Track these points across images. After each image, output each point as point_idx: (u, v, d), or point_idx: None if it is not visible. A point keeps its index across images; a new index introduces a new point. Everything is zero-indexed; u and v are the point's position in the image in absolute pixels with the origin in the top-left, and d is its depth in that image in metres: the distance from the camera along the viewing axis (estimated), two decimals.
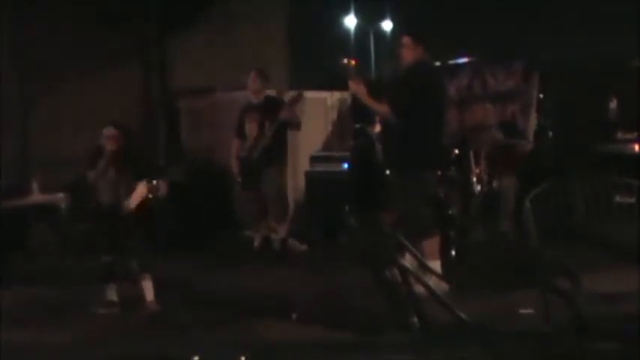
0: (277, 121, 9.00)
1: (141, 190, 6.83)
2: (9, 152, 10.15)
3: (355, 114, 10.64)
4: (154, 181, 6.99)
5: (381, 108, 7.33)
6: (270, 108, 9.14)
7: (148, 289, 6.73)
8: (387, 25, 33.18)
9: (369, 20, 32.86)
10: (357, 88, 7.35)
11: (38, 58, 10.62)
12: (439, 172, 8.03)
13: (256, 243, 9.29)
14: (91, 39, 10.80)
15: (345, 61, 7.42)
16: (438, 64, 8.97)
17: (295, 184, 10.68)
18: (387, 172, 7.61)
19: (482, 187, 8.78)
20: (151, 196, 6.92)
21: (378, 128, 8.88)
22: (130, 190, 6.80)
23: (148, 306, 6.71)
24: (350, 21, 32.88)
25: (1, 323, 6.36)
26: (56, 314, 6.92)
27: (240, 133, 9.30)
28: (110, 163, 6.81)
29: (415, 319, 5.33)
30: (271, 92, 9.78)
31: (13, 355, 5.71)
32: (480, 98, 10.05)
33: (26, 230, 9.37)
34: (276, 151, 9.13)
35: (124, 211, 6.74)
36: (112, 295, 6.86)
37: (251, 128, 9.18)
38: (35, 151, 10.50)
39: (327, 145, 11.32)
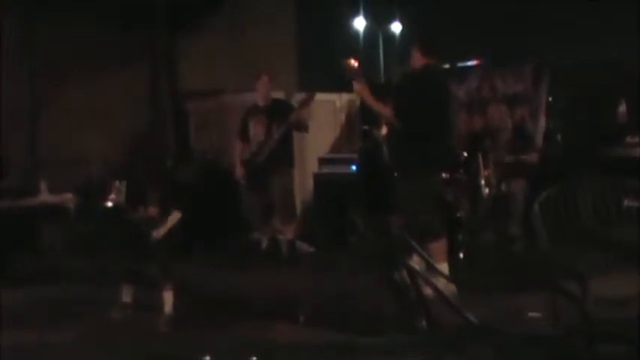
0: (287, 124, 9.01)
1: (173, 219, 6.83)
2: (18, 152, 10.18)
3: (363, 116, 10.64)
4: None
5: (385, 110, 7.34)
6: (277, 111, 9.15)
7: (168, 300, 6.64)
8: (396, 27, 33.15)
9: (378, 22, 32.83)
10: (361, 89, 7.36)
11: (48, 58, 10.66)
12: (448, 175, 8.04)
13: (264, 245, 9.29)
14: (100, 41, 10.84)
15: (348, 61, 7.38)
16: (446, 66, 8.98)
17: (303, 185, 10.69)
18: (395, 173, 7.61)
19: (490, 190, 8.76)
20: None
21: (384, 130, 8.88)
22: (164, 221, 6.81)
23: (165, 318, 6.64)
24: (359, 23, 32.86)
25: (9, 323, 6.37)
26: (66, 314, 6.93)
27: (244, 136, 9.30)
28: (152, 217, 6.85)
29: (423, 322, 5.33)
30: (279, 94, 9.79)
31: (20, 355, 5.72)
32: (494, 100, 10.04)
33: (35, 230, 9.38)
34: (282, 153, 9.13)
35: (154, 238, 6.74)
36: (127, 296, 6.84)
37: (256, 131, 9.18)
38: (44, 152, 10.53)
39: (335, 147, 11.34)
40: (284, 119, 9.01)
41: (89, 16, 10.72)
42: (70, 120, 10.64)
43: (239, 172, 9.26)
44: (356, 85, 7.35)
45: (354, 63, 7.42)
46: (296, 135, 9.41)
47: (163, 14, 11.45)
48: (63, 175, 9.76)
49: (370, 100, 7.35)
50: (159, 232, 6.72)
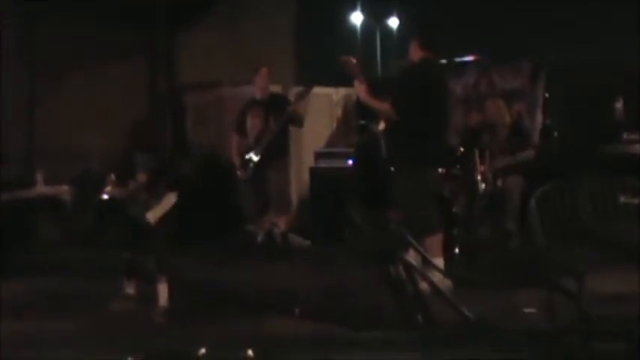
0: (284, 117, 9.01)
1: (168, 202, 6.80)
2: (17, 144, 10.18)
3: (360, 110, 10.64)
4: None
5: (383, 106, 7.36)
6: (275, 104, 9.16)
7: (163, 293, 6.63)
8: (393, 22, 33.18)
9: (375, 17, 32.85)
10: (358, 86, 7.38)
11: (47, 52, 10.66)
12: (444, 170, 8.04)
13: (259, 238, 9.28)
14: (99, 34, 10.84)
15: (346, 59, 7.41)
16: (444, 61, 8.98)
17: (299, 179, 10.68)
18: (392, 168, 7.61)
19: (487, 186, 8.76)
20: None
21: (382, 125, 8.87)
22: (158, 202, 6.78)
23: (159, 310, 6.63)
24: (356, 17, 32.88)
25: (5, 315, 6.35)
26: (61, 307, 6.91)
27: (241, 129, 9.30)
28: (143, 186, 6.82)
29: (419, 317, 5.32)
30: (276, 88, 9.79)
31: (16, 347, 5.70)
32: (492, 95, 10.03)
33: (31, 222, 9.37)
34: (278, 147, 9.14)
35: (149, 223, 6.71)
36: (130, 289, 6.82)
37: (254, 124, 9.18)
38: (43, 147, 10.52)
39: (331, 142, 11.33)
40: (281, 113, 9.01)
41: (89, 14, 10.71)
42: (69, 113, 10.63)
43: (237, 165, 9.26)
44: (356, 84, 7.38)
45: (352, 60, 7.43)
46: (292, 129, 9.42)
47: (163, 11, 11.42)
48: (61, 169, 9.75)
49: (366, 97, 7.37)
50: (154, 215, 6.68)
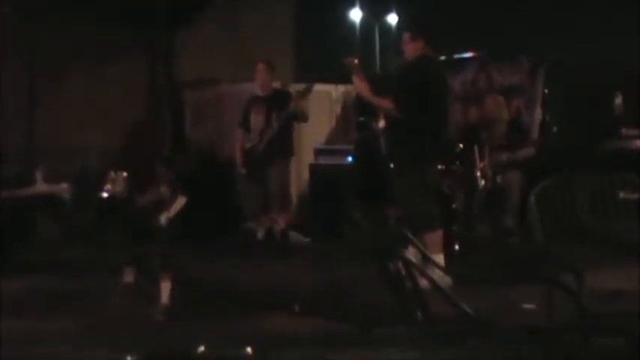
0: (286, 113, 9.01)
1: (179, 205, 6.83)
2: (17, 143, 10.18)
3: (360, 107, 10.64)
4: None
5: (382, 102, 7.37)
6: (277, 101, 9.15)
7: (165, 290, 6.60)
8: (392, 19, 33.14)
9: (374, 14, 32.82)
10: (359, 83, 7.38)
11: (47, 52, 10.66)
12: (443, 167, 8.05)
13: (259, 235, 9.28)
14: (99, 34, 10.84)
15: (349, 59, 7.42)
16: (442, 58, 8.97)
17: (299, 176, 10.68)
18: (391, 165, 7.61)
19: (486, 182, 8.76)
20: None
21: (382, 122, 8.87)
22: (170, 205, 6.81)
23: (160, 308, 6.63)
24: (355, 14, 32.85)
25: (4, 313, 6.35)
26: (61, 305, 6.91)
27: (245, 125, 9.31)
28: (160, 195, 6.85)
29: (419, 313, 5.33)
30: (276, 85, 9.79)
31: (15, 345, 5.71)
32: (490, 91, 10.01)
33: (30, 220, 9.37)
34: (281, 144, 9.13)
35: (160, 224, 6.73)
36: (129, 277, 6.82)
37: (257, 120, 9.19)
38: (42, 143, 10.52)
39: (331, 138, 11.32)
40: (283, 109, 9.01)
41: (89, 14, 10.71)
42: (68, 110, 10.64)
43: (239, 161, 9.26)
44: (355, 80, 7.38)
45: (354, 60, 7.44)
46: (294, 125, 9.40)
47: (163, 11, 11.42)
48: (62, 168, 9.75)
49: (367, 94, 7.38)
50: (164, 218, 6.70)
